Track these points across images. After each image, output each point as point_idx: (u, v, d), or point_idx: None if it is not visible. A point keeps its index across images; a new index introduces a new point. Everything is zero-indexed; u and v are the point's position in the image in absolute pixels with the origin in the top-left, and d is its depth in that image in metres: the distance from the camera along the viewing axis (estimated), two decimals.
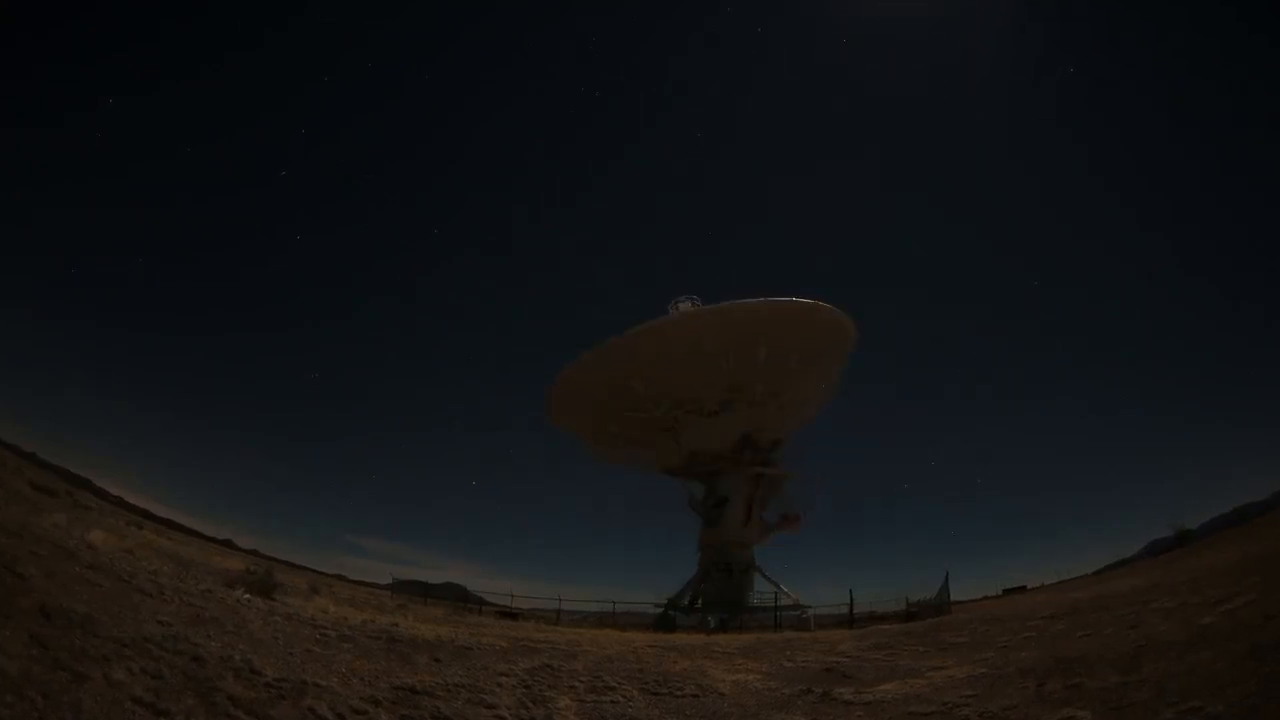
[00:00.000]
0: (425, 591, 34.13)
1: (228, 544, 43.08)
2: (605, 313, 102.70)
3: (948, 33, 76.06)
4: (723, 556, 30.93)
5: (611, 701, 6.97)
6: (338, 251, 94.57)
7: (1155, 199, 79.80)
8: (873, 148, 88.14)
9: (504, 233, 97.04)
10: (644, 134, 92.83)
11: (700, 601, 30.74)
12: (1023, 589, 29.90)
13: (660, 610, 30.53)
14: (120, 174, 77.51)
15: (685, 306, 30.27)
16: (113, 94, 76.70)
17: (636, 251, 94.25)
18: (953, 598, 24.39)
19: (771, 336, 29.79)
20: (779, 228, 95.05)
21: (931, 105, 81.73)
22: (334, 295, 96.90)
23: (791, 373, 30.95)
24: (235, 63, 77.87)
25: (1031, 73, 74.59)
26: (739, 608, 28.30)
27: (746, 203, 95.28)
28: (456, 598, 34.62)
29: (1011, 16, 68.00)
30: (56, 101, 68.49)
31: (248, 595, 10.62)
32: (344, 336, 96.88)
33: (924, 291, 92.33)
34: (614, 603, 30.72)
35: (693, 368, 30.30)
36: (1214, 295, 77.61)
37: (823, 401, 35.54)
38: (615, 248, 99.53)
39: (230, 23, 72.39)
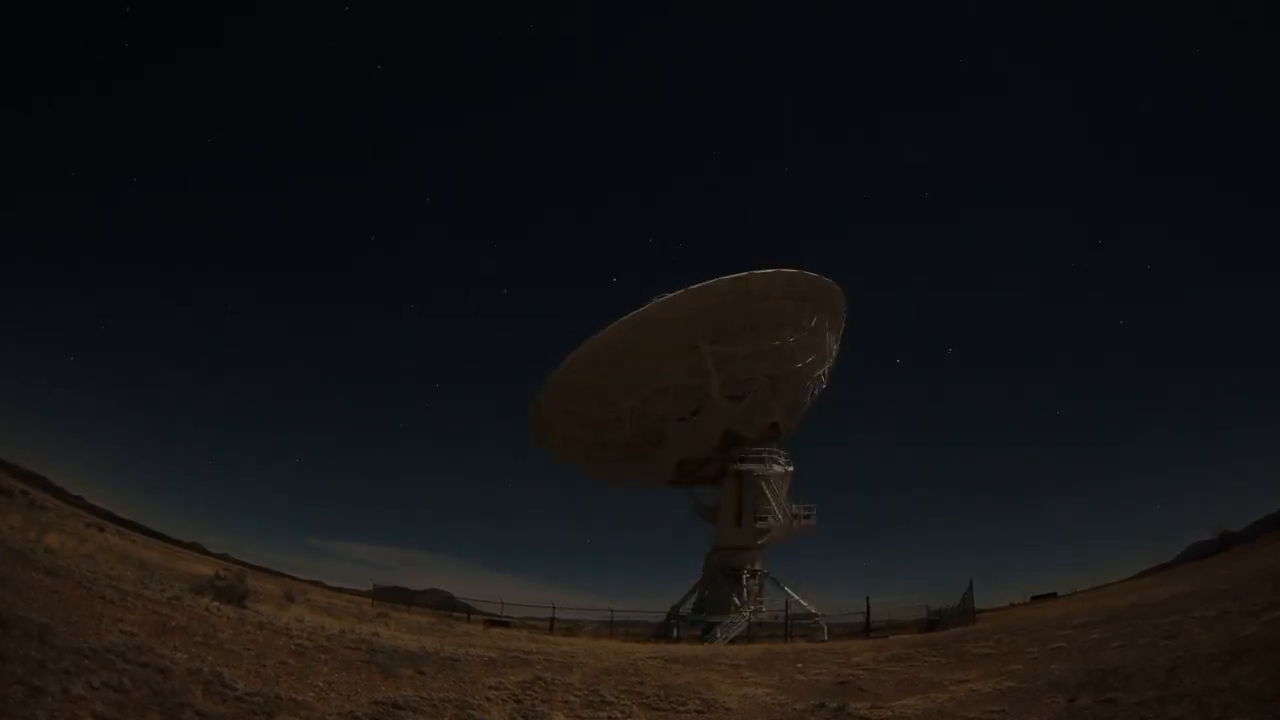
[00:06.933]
0: (408, 599, 34.39)
1: (195, 548, 43.35)
2: (602, 309, 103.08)
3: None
4: (726, 562, 31.08)
5: (609, 717, 7.02)
6: (323, 250, 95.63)
7: (1193, 196, 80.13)
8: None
9: (497, 231, 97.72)
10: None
11: (704, 611, 30.88)
12: (1053, 596, 30.07)
13: (662, 619, 30.77)
14: (101, 163, 78.86)
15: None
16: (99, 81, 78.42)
17: (628, 250, 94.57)
18: (977, 606, 24.48)
19: (754, 314, 29.53)
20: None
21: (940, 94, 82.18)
22: (324, 294, 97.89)
23: (779, 350, 30.59)
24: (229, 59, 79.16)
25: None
26: (741, 616, 28.37)
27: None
28: (442, 605, 34.90)
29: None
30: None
31: (217, 603, 10.67)
32: (329, 335, 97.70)
33: (957, 288, 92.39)
34: (611, 611, 30.98)
35: (676, 362, 30.25)
36: (1257, 291, 77.80)
37: (816, 374, 34.39)
38: (607, 246, 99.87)
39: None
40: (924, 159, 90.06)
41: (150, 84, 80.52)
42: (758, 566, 31.23)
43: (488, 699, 7.21)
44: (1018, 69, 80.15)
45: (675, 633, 28.72)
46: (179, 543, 41.66)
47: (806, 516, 30.94)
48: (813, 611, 29.41)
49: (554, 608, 30.94)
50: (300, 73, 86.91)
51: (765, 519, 30.26)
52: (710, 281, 28.94)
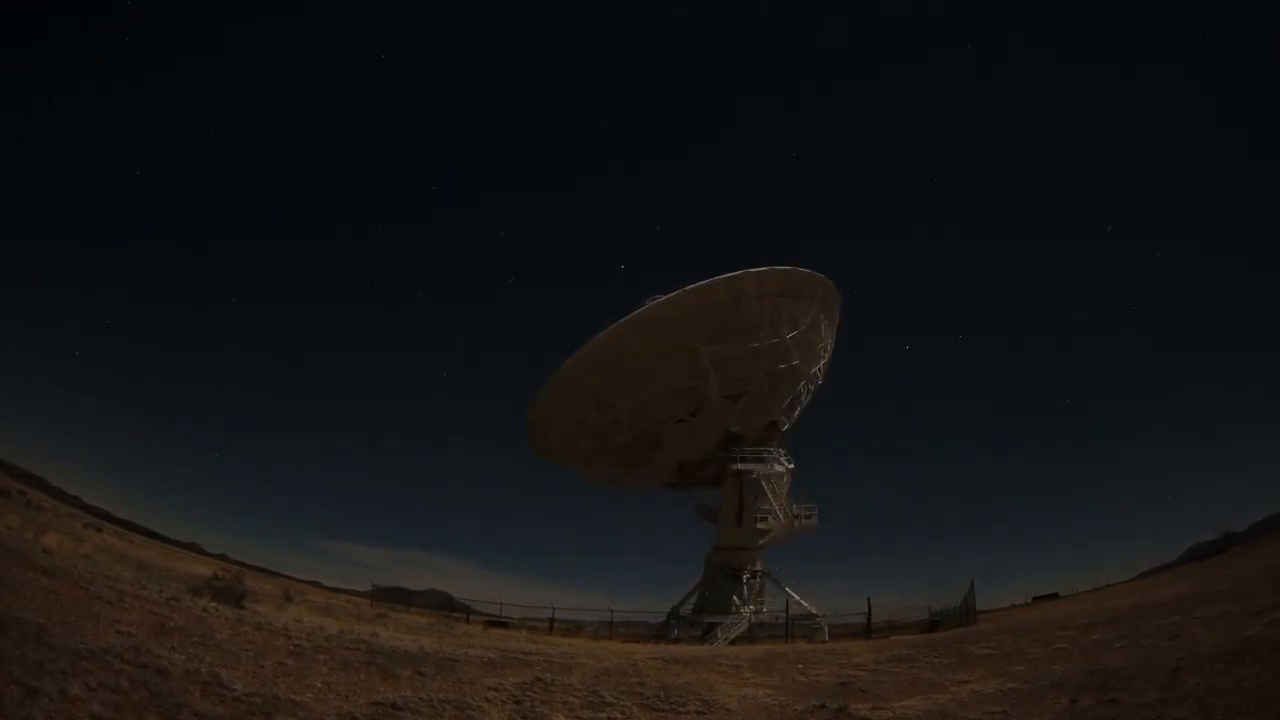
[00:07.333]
0: (407, 599, 34.41)
1: (193, 548, 43.38)
2: (602, 309, 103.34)
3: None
4: (727, 562, 31.09)
5: (609, 718, 7.02)
6: (323, 250, 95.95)
7: (1194, 196, 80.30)
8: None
9: (497, 231, 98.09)
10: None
11: (704, 611, 30.89)
12: (1054, 596, 30.05)
13: (662, 620, 30.78)
14: (101, 163, 79.44)
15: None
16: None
17: (628, 249, 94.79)
18: (979, 606, 24.47)
19: (749, 312, 29.11)
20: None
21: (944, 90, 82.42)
22: (324, 294, 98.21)
23: (776, 348, 30.39)
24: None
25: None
26: (741, 617, 28.39)
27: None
28: (441, 606, 34.94)
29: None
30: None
31: (215, 603, 10.67)
32: (330, 334, 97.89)
33: (956, 286, 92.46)
34: (611, 611, 30.98)
35: (673, 364, 30.04)
36: (1257, 291, 77.96)
37: (813, 371, 34.04)
38: (608, 245, 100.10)
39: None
40: (924, 156, 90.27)
41: (150, 84, 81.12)
42: (758, 567, 31.23)
43: (487, 700, 7.21)
44: (1018, 67, 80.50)
45: (675, 633, 28.73)
46: (177, 543, 41.68)
47: (807, 517, 30.93)
48: (813, 612, 29.41)
49: (554, 608, 30.99)
50: (300, 73, 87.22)
51: (765, 519, 30.25)
52: (704, 281, 28.93)
